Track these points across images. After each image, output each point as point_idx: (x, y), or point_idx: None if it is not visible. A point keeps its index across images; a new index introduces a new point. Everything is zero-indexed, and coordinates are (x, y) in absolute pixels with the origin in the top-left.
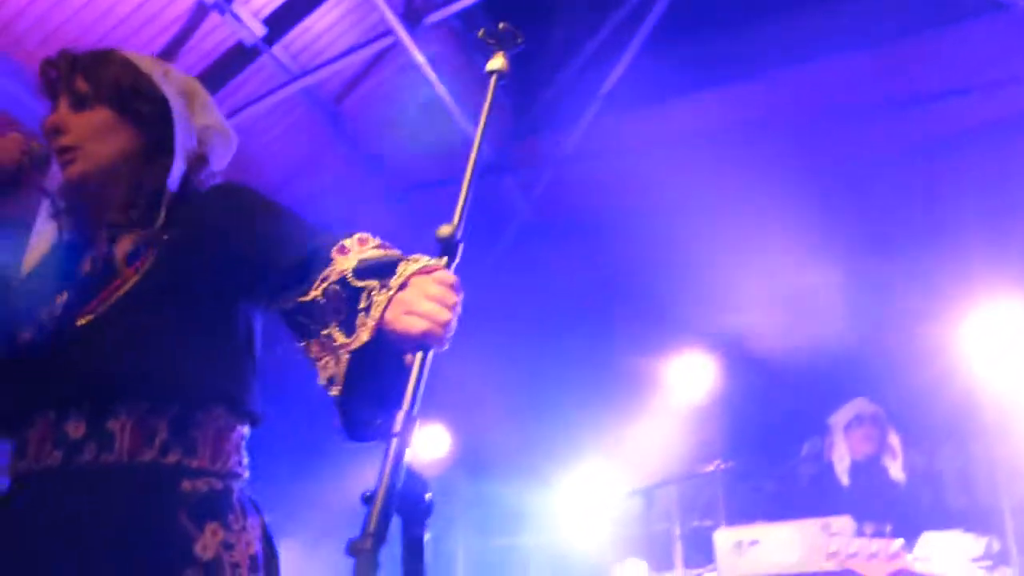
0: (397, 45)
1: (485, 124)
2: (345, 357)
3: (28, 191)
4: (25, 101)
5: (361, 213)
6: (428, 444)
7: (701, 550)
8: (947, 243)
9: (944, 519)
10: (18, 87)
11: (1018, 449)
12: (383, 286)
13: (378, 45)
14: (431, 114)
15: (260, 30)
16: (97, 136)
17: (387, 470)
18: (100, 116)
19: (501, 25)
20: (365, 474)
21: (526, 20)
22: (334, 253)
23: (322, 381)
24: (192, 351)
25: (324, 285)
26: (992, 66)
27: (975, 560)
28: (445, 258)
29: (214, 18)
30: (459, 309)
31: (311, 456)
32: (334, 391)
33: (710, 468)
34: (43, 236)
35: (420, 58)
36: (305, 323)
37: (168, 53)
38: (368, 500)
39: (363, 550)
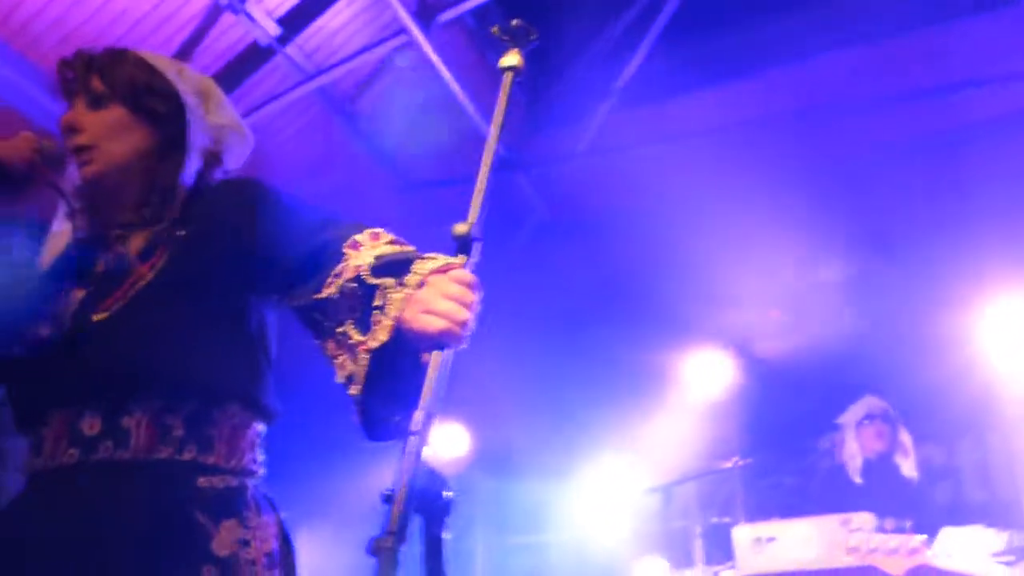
0: (411, 43)
1: (501, 120)
2: (364, 356)
3: (42, 189)
4: (41, 102)
5: (376, 211)
6: (447, 443)
7: (720, 547)
8: (963, 236)
9: (964, 514)
10: (35, 87)
11: None
12: (400, 284)
13: (392, 43)
14: (445, 112)
15: (274, 30)
16: (112, 134)
17: (407, 469)
18: (115, 115)
19: (515, 21)
20: (384, 471)
21: (538, 16)
22: (346, 248)
23: (340, 379)
24: (207, 348)
25: (339, 282)
26: (1004, 60)
27: (995, 555)
28: (462, 256)
29: (228, 18)
30: (477, 308)
31: (329, 453)
32: (353, 390)
33: (728, 465)
34: (59, 235)
35: (434, 56)
36: (320, 320)
37: (183, 53)
38: (388, 499)
39: (384, 549)
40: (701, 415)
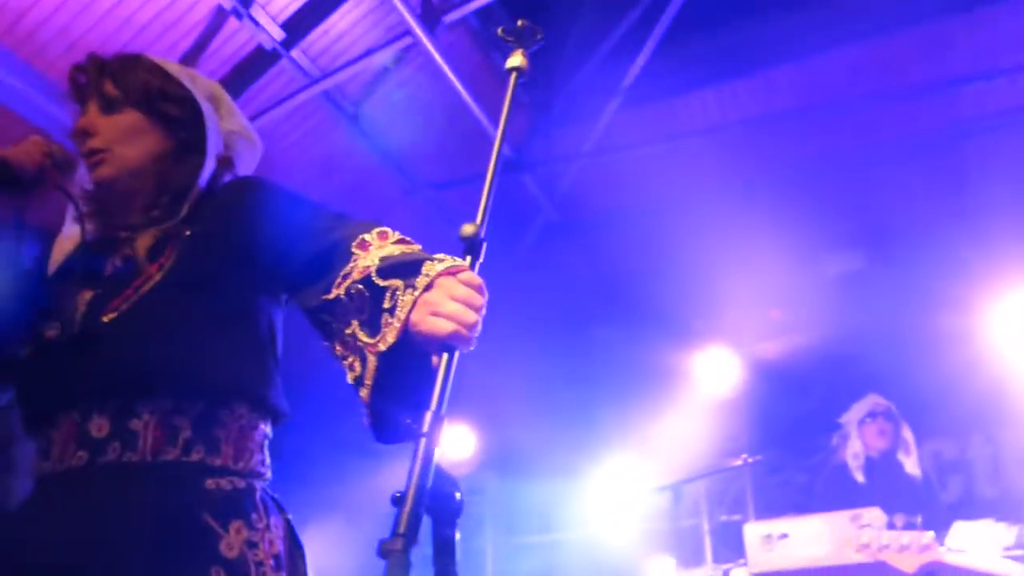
0: (416, 45)
1: (506, 121)
2: (373, 359)
3: (51, 193)
4: (48, 110)
5: (382, 213)
6: (453, 444)
7: (730, 545)
8: (969, 231)
9: (975, 508)
10: (40, 96)
11: None
12: (408, 286)
13: (397, 46)
14: (450, 113)
15: (279, 34)
16: (125, 138)
17: (416, 471)
18: (129, 119)
19: (520, 22)
20: (392, 471)
21: (540, 17)
22: (355, 248)
23: (350, 380)
24: (215, 348)
25: (347, 283)
26: (1004, 55)
27: (1007, 549)
28: (469, 257)
29: (233, 23)
30: (484, 311)
31: (338, 454)
32: (363, 392)
33: (737, 462)
34: (69, 237)
35: (438, 58)
36: (328, 321)
37: (188, 59)
38: (398, 501)
39: (394, 551)
40: (709, 413)
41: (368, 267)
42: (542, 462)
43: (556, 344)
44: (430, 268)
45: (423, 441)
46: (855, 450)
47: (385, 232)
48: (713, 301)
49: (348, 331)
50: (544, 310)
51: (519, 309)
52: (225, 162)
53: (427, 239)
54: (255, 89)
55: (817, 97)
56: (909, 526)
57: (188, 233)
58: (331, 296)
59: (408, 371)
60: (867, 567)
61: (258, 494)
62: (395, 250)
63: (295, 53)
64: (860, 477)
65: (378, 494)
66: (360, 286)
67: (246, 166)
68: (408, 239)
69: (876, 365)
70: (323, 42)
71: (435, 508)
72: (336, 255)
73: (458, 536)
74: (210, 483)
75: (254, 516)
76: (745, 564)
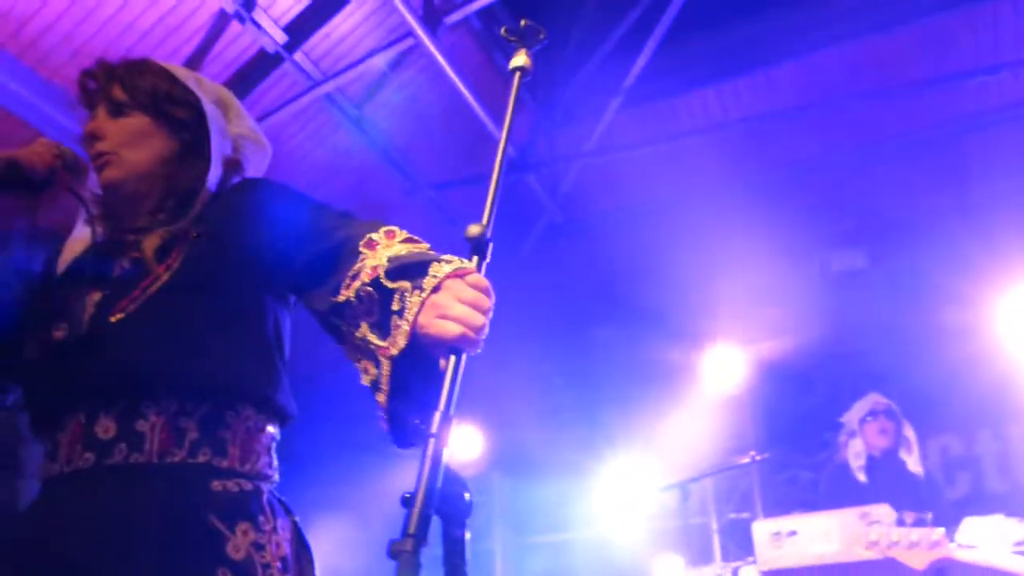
0: (418, 47)
1: (511, 121)
2: (387, 363)
3: (62, 195)
4: (52, 116)
5: (386, 214)
6: (461, 444)
7: (738, 542)
8: (974, 226)
9: (984, 504)
10: (45, 102)
11: None
12: (416, 287)
13: (399, 47)
14: (453, 114)
15: (281, 37)
16: (134, 141)
17: (426, 471)
18: (137, 122)
19: (523, 22)
20: (401, 472)
21: (542, 17)
22: (362, 247)
23: (366, 383)
24: (222, 349)
25: (356, 285)
26: (1006, 50)
27: (1017, 545)
28: (476, 258)
29: (235, 27)
30: (491, 313)
31: (347, 455)
32: (380, 397)
33: (745, 460)
34: (79, 239)
35: (441, 59)
36: (338, 324)
37: (191, 64)
38: (408, 502)
39: (404, 552)
40: (716, 411)
41: (376, 267)
42: (550, 462)
43: (561, 344)
44: (437, 269)
45: (432, 442)
46: (857, 449)
47: (392, 231)
48: (716, 300)
49: (358, 334)
50: (548, 310)
51: (524, 309)
52: (234, 165)
53: (429, 239)
54: (258, 92)
55: (818, 95)
56: (919, 523)
57: (195, 235)
58: (341, 299)
59: (418, 372)
60: (877, 564)
61: (265, 496)
62: (403, 249)
63: (298, 56)
64: (862, 476)
65: (388, 495)
66: (369, 288)
67: (255, 169)
68: (416, 238)
69: (881, 361)
70: (325, 45)
71: (444, 509)
72: (343, 254)
73: (468, 536)
74: (216, 485)
75: (261, 518)
76: (754, 562)
